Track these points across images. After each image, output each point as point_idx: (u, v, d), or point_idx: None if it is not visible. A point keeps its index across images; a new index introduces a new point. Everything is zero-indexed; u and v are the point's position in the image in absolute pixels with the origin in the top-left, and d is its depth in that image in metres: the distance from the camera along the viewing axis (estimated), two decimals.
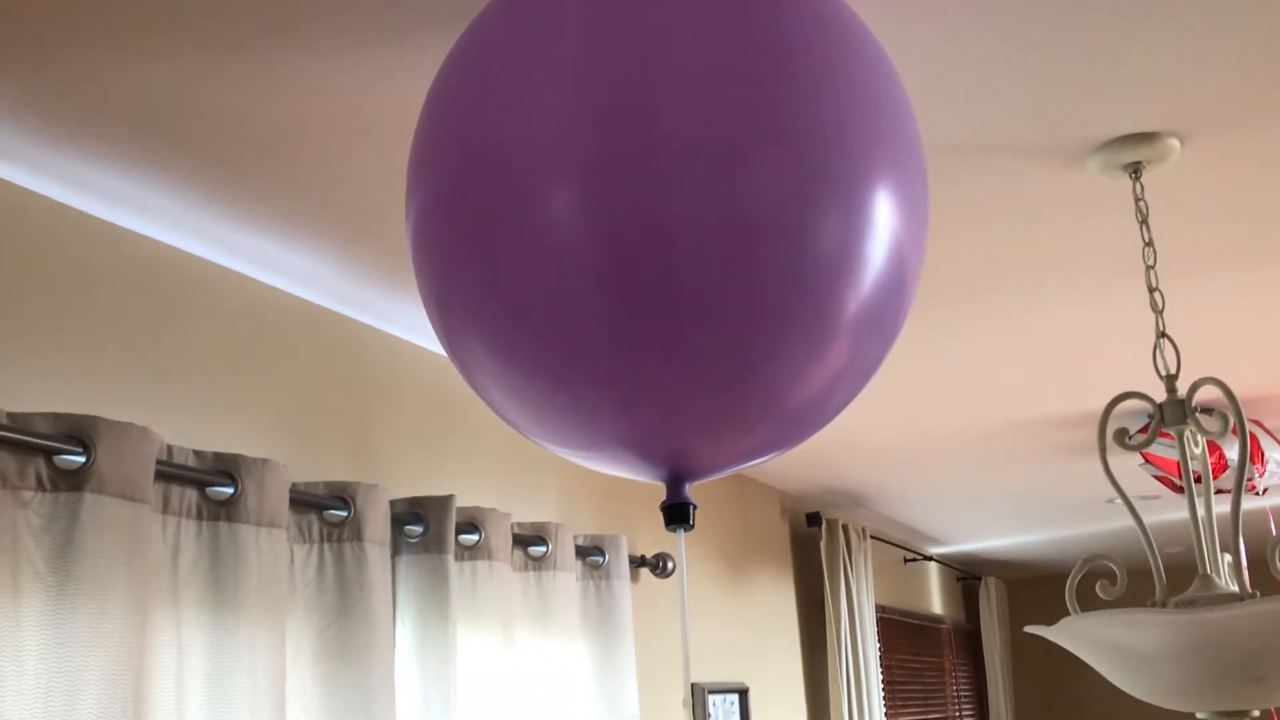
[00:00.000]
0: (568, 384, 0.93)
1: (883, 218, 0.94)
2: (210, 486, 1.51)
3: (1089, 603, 1.41)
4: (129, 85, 1.25)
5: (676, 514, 0.96)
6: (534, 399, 0.97)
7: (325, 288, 1.86)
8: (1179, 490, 3.19)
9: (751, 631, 3.56)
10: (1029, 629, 1.44)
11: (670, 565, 2.85)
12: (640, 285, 0.88)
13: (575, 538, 2.35)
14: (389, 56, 1.23)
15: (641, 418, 0.94)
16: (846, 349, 0.97)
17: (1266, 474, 2.92)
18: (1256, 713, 1.32)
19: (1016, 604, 7.37)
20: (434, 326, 1.03)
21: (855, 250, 0.93)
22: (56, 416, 1.31)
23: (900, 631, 5.12)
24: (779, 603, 3.85)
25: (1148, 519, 4.68)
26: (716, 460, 0.99)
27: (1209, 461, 2.04)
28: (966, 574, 6.59)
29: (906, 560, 5.37)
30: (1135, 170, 1.54)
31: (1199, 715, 1.33)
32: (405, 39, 1.20)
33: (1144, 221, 1.53)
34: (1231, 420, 1.37)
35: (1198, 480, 1.45)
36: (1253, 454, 2.86)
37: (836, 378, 0.99)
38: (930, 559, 5.64)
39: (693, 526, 0.96)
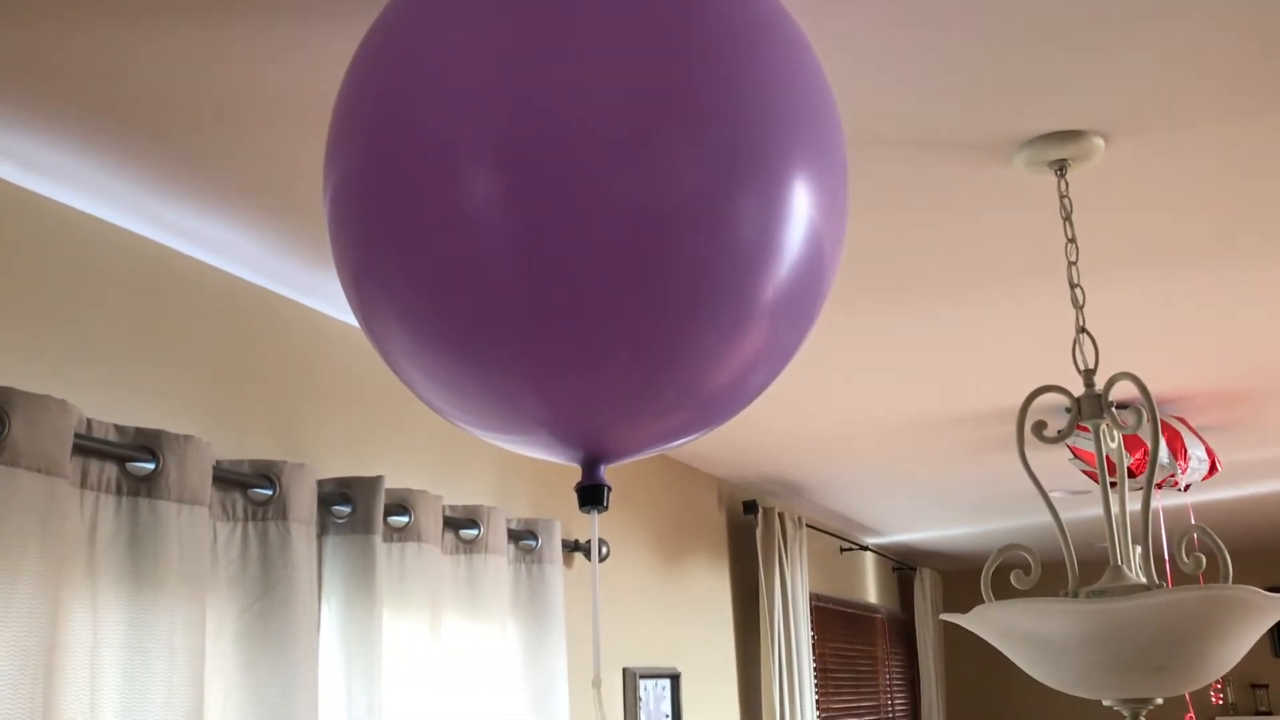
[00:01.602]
0: (482, 365, 0.93)
1: (800, 205, 0.95)
2: (131, 462, 1.50)
3: (1009, 594, 1.43)
4: (49, 53, 1.23)
5: (590, 495, 0.96)
6: (449, 379, 0.97)
7: (253, 263, 1.84)
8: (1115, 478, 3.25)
9: (685, 617, 3.58)
10: (944, 616, 1.46)
11: (605, 551, 2.86)
12: (555, 267, 0.89)
13: (508, 521, 2.35)
14: (315, 32, 1.22)
15: (556, 400, 0.94)
16: (763, 334, 0.98)
17: (1188, 470, 2.98)
18: (1160, 700, 1.35)
19: (951, 594, 7.48)
20: (350, 302, 1.02)
21: (772, 237, 0.93)
22: None
23: (835, 620, 5.18)
24: (714, 589, 3.87)
25: (1077, 513, 4.76)
26: (633, 443, 1.00)
27: (1124, 455, 2.09)
28: (902, 564, 6.67)
29: (842, 550, 5.42)
30: (1060, 167, 1.56)
31: (1105, 702, 1.36)
32: (330, 15, 1.19)
33: (1068, 218, 1.56)
34: (1145, 414, 1.40)
35: (1113, 473, 1.48)
36: (1176, 450, 2.92)
37: (753, 362, 1.00)
38: (866, 549, 5.70)
39: (606, 508, 0.97)
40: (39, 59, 1.24)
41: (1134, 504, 1.50)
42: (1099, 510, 4.84)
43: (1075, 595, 1.42)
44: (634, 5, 0.90)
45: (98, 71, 1.27)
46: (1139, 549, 1.47)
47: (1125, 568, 1.43)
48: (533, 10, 0.89)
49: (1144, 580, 1.42)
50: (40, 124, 1.37)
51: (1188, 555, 1.36)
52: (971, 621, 1.38)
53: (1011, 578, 1.46)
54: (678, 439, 1.03)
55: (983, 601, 1.42)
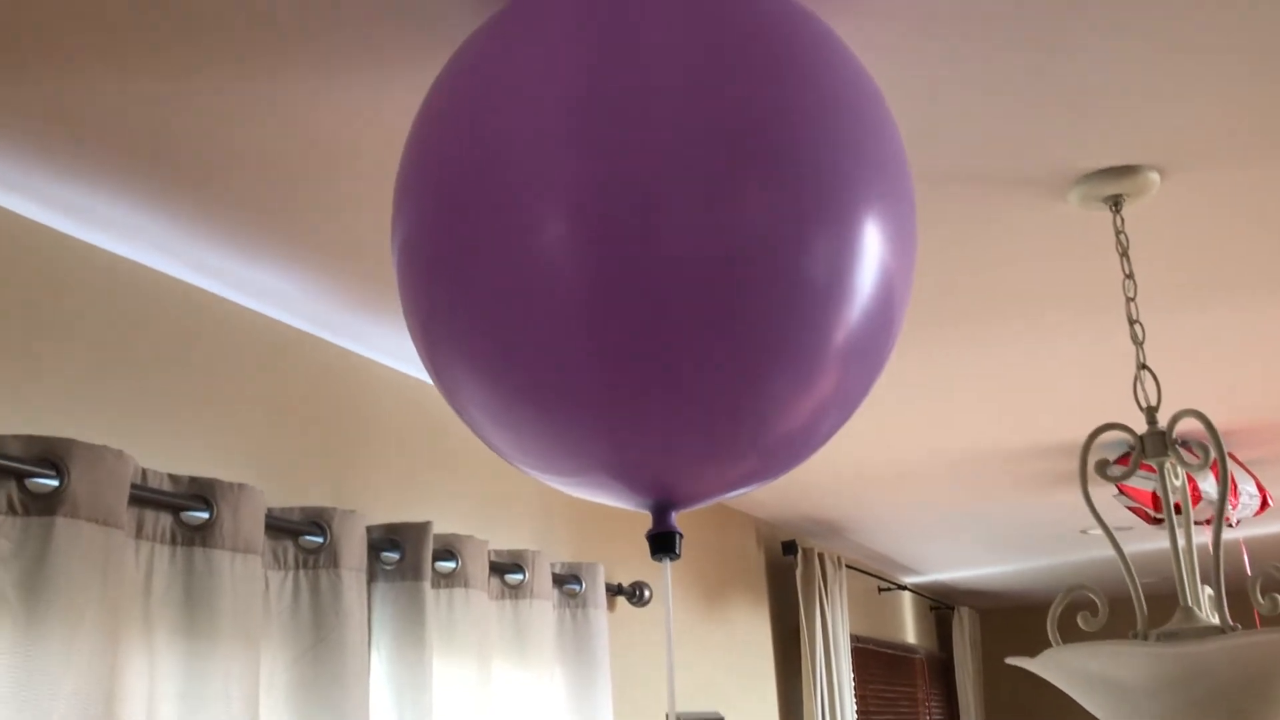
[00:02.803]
0: (554, 410, 0.92)
1: (872, 246, 0.94)
2: (185, 511, 1.49)
3: (1067, 632, 1.40)
4: (111, 108, 1.24)
5: (663, 543, 0.95)
6: (519, 425, 0.96)
7: (305, 311, 1.85)
8: (1152, 521, 3.20)
9: (726, 660, 3.54)
10: (1011, 660, 1.43)
11: (647, 594, 2.83)
12: (628, 313, 0.88)
13: (552, 565, 2.33)
14: (371, 83, 1.22)
15: (628, 445, 0.93)
16: (834, 378, 0.97)
17: (1239, 505, 2.93)
18: None
19: (989, 634, 7.38)
20: (418, 350, 1.02)
21: (844, 279, 0.93)
22: (30, 439, 1.29)
23: (874, 661, 5.11)
24: (754, 631, 3.83)
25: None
26: (703, 489, 0.98)
27: (1188, 492, 2.05)
28: (940, 603, 6.59)
29: (881, 590, 5.36)
30: (1116, 203, 1.55)
31: None
32: (387, 67, 1.19)
33: (1124, 254, 1.54)
34: (1212, 454, 1.37)
35: (1178, 511, 1.45)
36: (1233, 490, 2.87)
37: (824, 407, 0.99)
38: (904, 588, 5.64)
39: (679, 556, 0.95)
40: (96, 112, 1.25)
41: (1188, 538, 1.47)
42: (1140, 546, 4.77)
43: (1145, 637, 1.39)
44: (704, 53, 0.89)
45: (153, 124, 1.28)
46: (1208, 589, 1.44)
47: (1195, 608, 1.40)
48: (604, 60, 0.89)
49: (1215, 621, 1.39)
50: (97, 176, 1.38)
51: (1263, 596, 1.32)
52: (1040, 665, 1.35)
53: (1079, 619, 1.43)
54: (747, 485, 1.02)
55: (1022, 639, 1.40)
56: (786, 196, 0.89)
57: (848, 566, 4.57)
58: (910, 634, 5.98)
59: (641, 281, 0.87)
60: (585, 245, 0.87)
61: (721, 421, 0.93)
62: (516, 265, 0.89)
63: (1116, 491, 3.12)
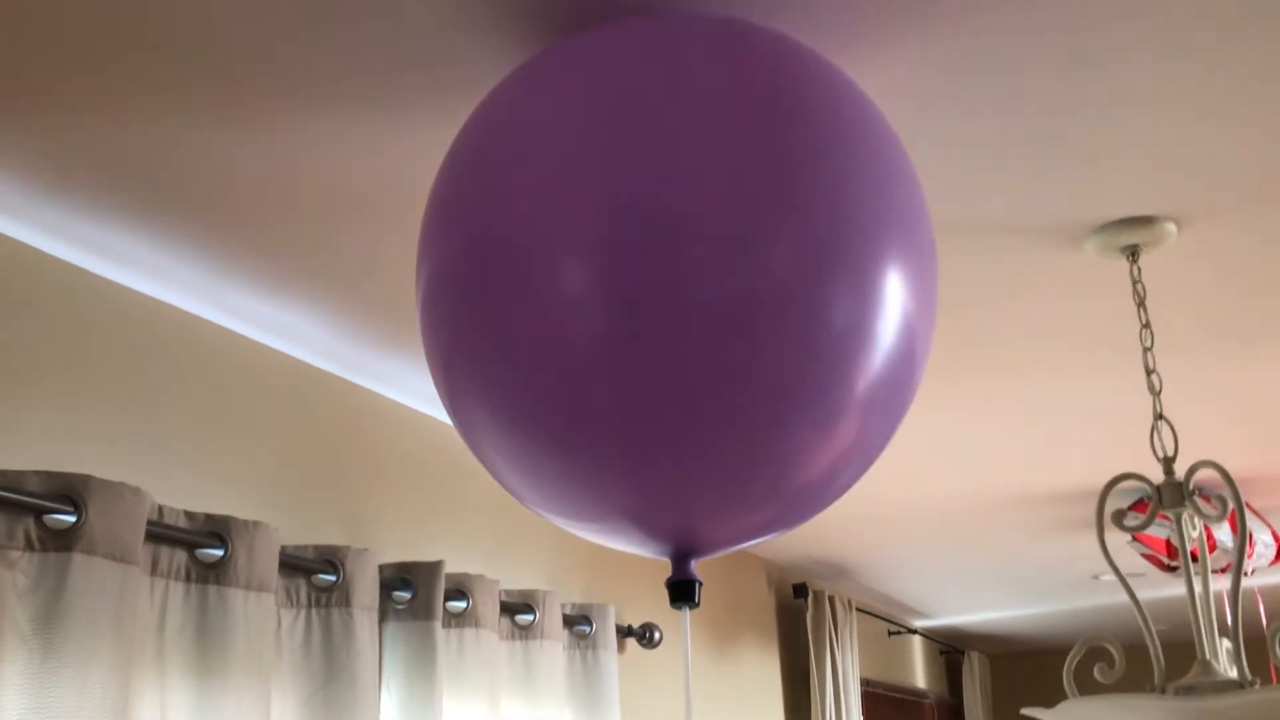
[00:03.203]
0: (574, 455, 0.92)
1: (893, 296, 0.94)
2: (200, 548, 1.49)
3: (1082, 681, 1.39)
4: (133, 145, 1.26)
5: (682, 591, 0.95)
6: (539, 469, 0.96)
7: (321, 348, 1.86)
8: (1166, 569, 3.18)
9: (736, 702, 3.51)
10: (1027, 711, 1.42)
11: (657, 636, 2.82)
12: (650, 360, 0.88)
13: (563, 606, 2.32)
14: (391, 124, 1.23)
15: (648, 492, 0.93)
16: (855, 427, 0.97)
17: (1255, 555, 2.91)
18: None
19: (999, 679, 7.31)
20: (439, 392, 1.02)
21: (866, 328, 0.93)
22: (48, 475, 1.30)
23: (884, 705, 5.06)
24: (764, 674, 3.80)
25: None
26: (723, 536, 0.98)
27: (1204, 543, 2.04)
28: (950, 648, 6.53)
29: (891, 633, 5.32)
30: (1133, 253, 1.55)
31: None
32: (411, 113, 1.20)
33: (1141, 303, 1.54)
34: (1230, 505, 1.37)
35: (1195, 561, 1.44)
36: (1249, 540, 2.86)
37: (845, 456, 0.99)
38: (915, 632, 5.59)
39: (698, 604, 0.95)
40: (123, 151, 1.27)
41: (1206, 588, 1.46)
42: (1155, 593, 4.73)
43: (1162, 691, 1.38)
44: (729, 105, 0.90)
45: (175, 163, 1.29)
46: (1226, 642, 1.43)
47: (1214, 661, 1.39)
48: (630, 108, 0.90)
49: (1234, 675, 1.38)
50: (120, 213, 1.39)
51: None
52: (1057, 717, 1.34)
53: (1095, 671, 1.42)
54: (769, 532, 1.01)
55: (1033, 685, 1.39)
56: (808, 247, 0.89)
57: (858, 609, 4.54)
58: (920, 678, 5.92)
59: (663, 330, 0.87)
60: (607, 293, 0.88)
61: (742, 469, 0.93)
62: (539, 312, 0.89)
63: (1130, 539, 3.11)
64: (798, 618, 4.08)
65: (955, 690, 6.59)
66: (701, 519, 0.95)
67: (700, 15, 1.00)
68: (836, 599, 4.13)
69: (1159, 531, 2.80)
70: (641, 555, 1.01)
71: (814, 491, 1.00)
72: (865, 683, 4.69)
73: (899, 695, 5.33)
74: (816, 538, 3.63)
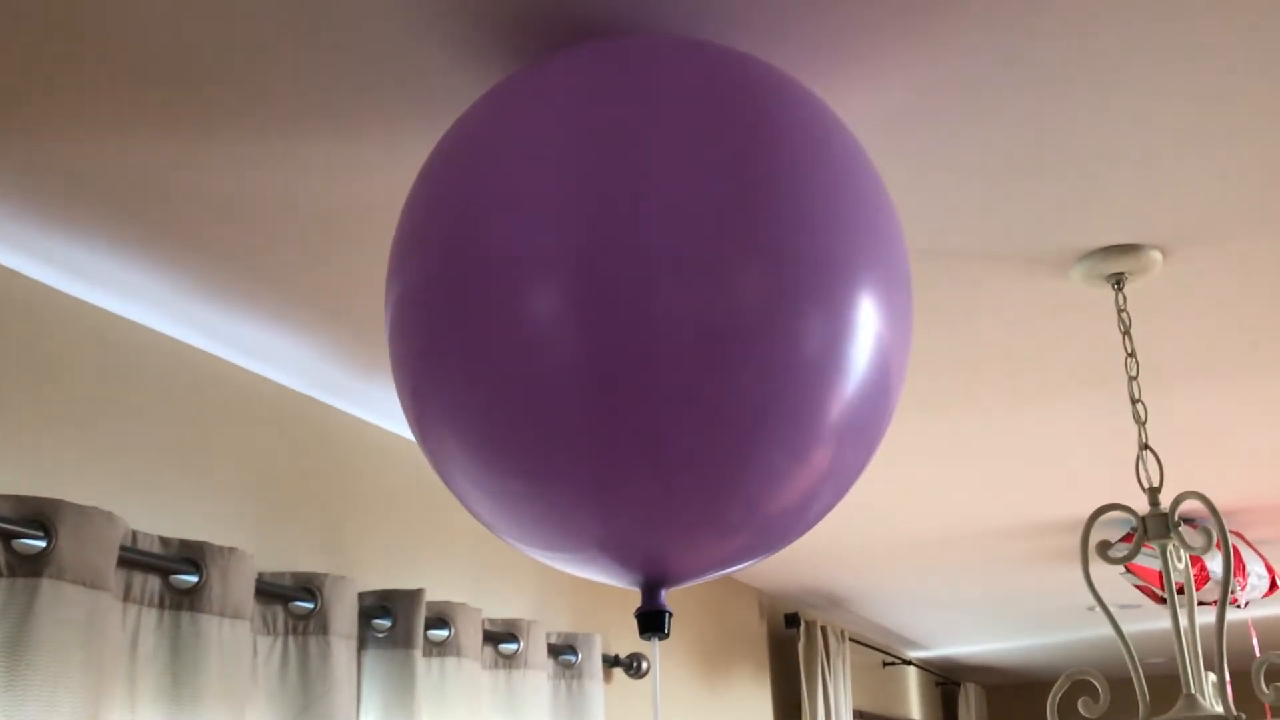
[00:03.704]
0: (542, 483, 0.91)
1: (866, 325, 0.93)
2: (174, 575, 1.47)
3: (1069, 716, 1.37)
4: (112, 166, 1.25)
5: (651, 622, 0.93)
6: (506, 497, 0.94)
7: (300, 372, 1.84)
8: (1159, 600, 3.16)
9: None
10: None
11: (644, 665, 2.79)
12: (620, 387, 0.87)
13: (548, 635, 2.30)
14: (372, 147, 1.23)
15: (617, 521, 0.91)
16: (829, 455, 0.96)
17: (1248, 587, 2.89)
18: None
19: (995, 711, 7.26)
20: (407, 417, 1.01)
21: (838, 357, 0.92)
22: (18, 499, 1.28)
23: None
24: (755, 704, 3.77)
25: (1128, 628, 4.62)
26: (694, 566, 0.97)
27: (1191, 574, 2.02)
28: (945, 679, 6.49)
29: (885, 664, 5.28)
30: (1118, 281, 1.54)
31: None
32: (389, 130, 1.20)
33: (1127, 332, 1.53)
34: (1215, 535, 1.35)
35: (1180, 593, 1.42)
36: (1234, 567, 2.84)
37: (818, 484, 0.97)
38: (909, 663, 5.56)
39: (668, 635, 0.93)
40: (89, 170, 1.26)
41: (1191, 621, 1.44)
42: (1147, 625, 4.71)
43: None
44: (700, 130, 0.90)
45: (150, 182, 1.29)
46: (1211, 676, 1.41)
47: (1199, 696, 1.37)
48: (601, 132, 0.89)
49: (1219, 710, 1.36)
50: (91, 231, 1.38)
51: (1268, 685, 1.29)
52: None
53: (1079, 705, 1.40)
54: (740, 562, 1.00)
55: (1029, 717, 1.36)
56: (779, 277, 0.88)
57: (851, 640, 4.51)
58: (915, 710, 5.88)
59: (632, 358, 0.86)
60: (577, 320, 0.87)
61: (713, 499, 0.92)
62: (507, 338, 0.88)
63: (1124, 570, 3.08)
64: (790, 648, 4.05)
65: None
66: (672, 549, 0.94)
67: (672, 39, 0.99)
68: (829, 629, 4.10)
69: (1152, 563, 2.78)
70: (613, 585, 1.00)
71: (788, 519, 0.98)
72: (859, 714, 4.65)
73: None
74: (808, 568, 3.60)
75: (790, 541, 1.03)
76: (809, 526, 1.03)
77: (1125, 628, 4.87)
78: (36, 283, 1.48)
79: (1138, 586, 3.15)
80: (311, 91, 1.12)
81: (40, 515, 1.28)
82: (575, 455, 0.90)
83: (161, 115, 1.16)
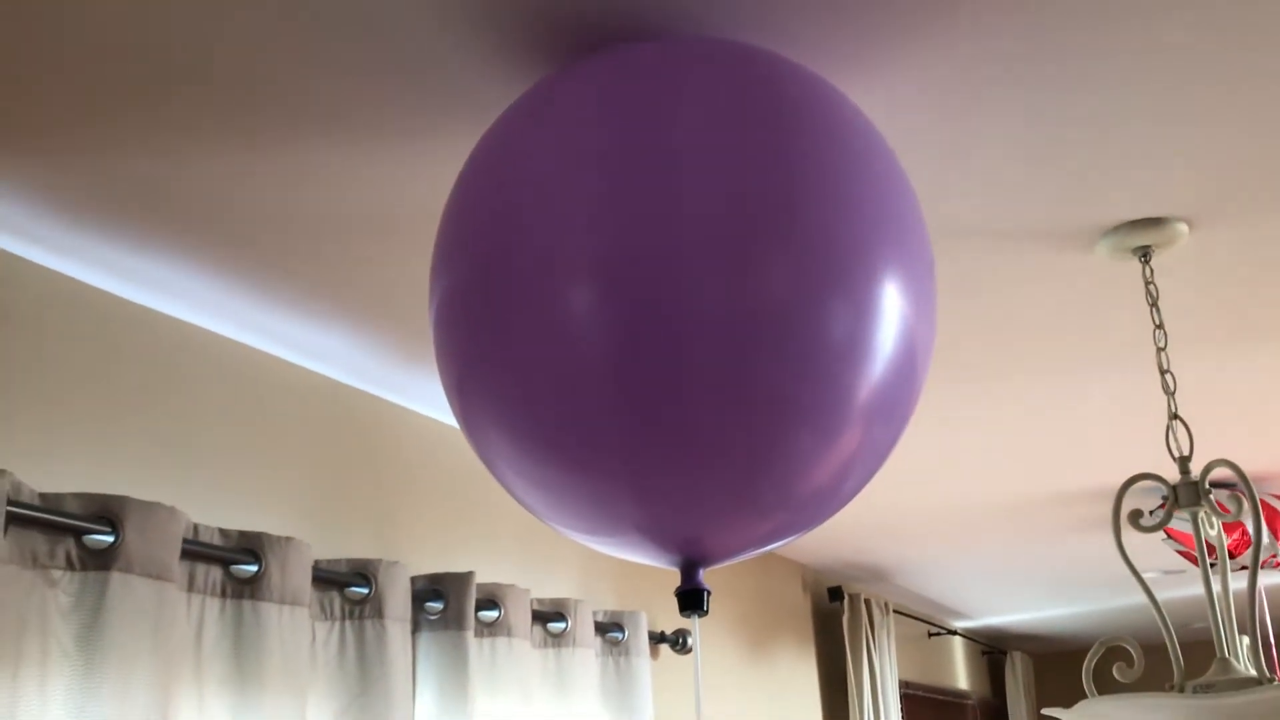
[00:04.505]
0: (581, 471, 0.96)
1: (891, 308, 0.97)
2: (234, 565, 1.54)
3: (1108, 683, 1.41)
4: (163, 173, 1.30)
5: (691, 600, 0.98)
6: (549, 485, 0.99)
7: (349, 365, 1.90)
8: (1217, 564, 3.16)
9: (772, 707, 3.53)
10: (1047, 711, 1.43)
11: (690, 641, 2.84)
12: (654, 376, 0.91)
13: (595, 614, 2.36)
14: (413, 151, 1.27)
15: (655, 505, 0.96)
16: (858, 435, 0.99)
17: None
18: None
19: (1044, 679, 7.26)
20: (454, 413, 1.06)
21: (865, 340, 0.95)
22: (87, 497, 1.34)
23: (925, 707, 5.05)
24: (800, 678, 3.82)
25: (1173, 593, 4.62)
26: (730, 546, 1.01)
27: (1225, 541, 2.03)
28: (992, 648, 6.50)
29: (930, 634, 5.31)
30: (1145, 254, 1.56)
31: None
32: (428, 136, 1.24)
33: (1154, 304, 1.55)
34: (1245, 502, 1.38)
35: (1214, 560, 1.45)
36: (1275, 530, 2.84)
37: (849, 464, 1.01)
38: (955, 633, 5.58)
39: (707, 613, 0.98)
40: (152, 185, 1.31)
41: (1232, 584, 1.47)
42: (1195, 590, 4.69)
43: (1181, 689, 1.39)
44: (725, 125, 0.93)
45: (204, 191, 1.34)
46: (1245, 639, 1.44)
47: (1233, 659, 1.40)
48: (630, 131, 0.93)
49: (1253, 673, 1.39)
50: (152, 241, 1.44)
51: None
52: (1075, 716, 1.36)
53: (1114, 670, 1.43)
54: (775, 541, 1.04)
55: (1077, 685, 1.40)
56: (804, 265, 0.92)
57: (896, 612, 4.54)
58: (962, 679, 5.90)
59: (665, 347, 0.90)
60: (611, 312, 0.91)
61: (746, 482, 0.96)
62: (545, 332, 0.92)
63: (1165, 536, 3.09)
64: (834, 621, 4.09)
65: (998, 691, 6.56)
66: (708, 530, 0.98)
67: (697, 39, 1.03)
68: (873, 601, 4.14)
69: (1190, 528, 2.79)
70: (652, 565, 1.04)
71: (821, 498, 1.02)
72: (905, 685, 4.68)
73: (940, 697, 5.31)
74: (850, 541, 3.64)
75: (825, 519, 1.07)
76: (843, 504, 1.07)
77: (1170, 593, 4.86)
78: (100, 291, 1.54)
79: (1180, 553, 3.16)
80: (361, 101, 1.17)
81: (107, 511, 1.34)
82: (611, 443, 0.94)
83: (215, 129, 1.21)
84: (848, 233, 0.94)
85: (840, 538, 3.58)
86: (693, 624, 0.96)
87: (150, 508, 1.38)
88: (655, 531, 0.98)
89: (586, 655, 2.25)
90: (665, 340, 0.90)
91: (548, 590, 2.40)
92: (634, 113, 0.96)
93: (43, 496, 1.31)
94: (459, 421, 1.06)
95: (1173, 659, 1.42)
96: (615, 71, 1.00)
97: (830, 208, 0.93)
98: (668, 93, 0.97)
